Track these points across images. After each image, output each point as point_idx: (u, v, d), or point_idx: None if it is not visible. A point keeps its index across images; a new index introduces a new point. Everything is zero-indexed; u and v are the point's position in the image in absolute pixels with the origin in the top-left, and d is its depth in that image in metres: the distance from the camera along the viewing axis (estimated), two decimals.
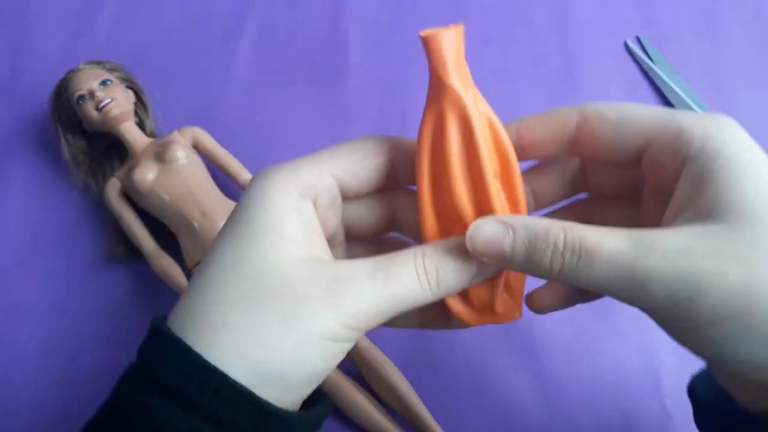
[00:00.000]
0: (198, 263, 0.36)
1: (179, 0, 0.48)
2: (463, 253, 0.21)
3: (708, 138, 0.20)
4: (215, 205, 0.37)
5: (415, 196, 0.24)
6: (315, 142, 0.43)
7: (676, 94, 0.42)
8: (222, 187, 0.39)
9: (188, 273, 0.37)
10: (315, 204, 0.22)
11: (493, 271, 0.22)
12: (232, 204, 0.38)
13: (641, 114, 0.22)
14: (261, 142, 0.43)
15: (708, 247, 0.18)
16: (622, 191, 0.25)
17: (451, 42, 0.21)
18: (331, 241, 0.24)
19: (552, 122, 0.23)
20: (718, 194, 0.19)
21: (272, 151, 0.43)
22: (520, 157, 0.23)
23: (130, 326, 0.38)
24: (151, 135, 0.41)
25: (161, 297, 0.39)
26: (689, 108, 0.42)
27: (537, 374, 0.36)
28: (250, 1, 0.47)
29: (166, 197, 0.37)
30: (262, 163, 0.41)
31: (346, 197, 0.24)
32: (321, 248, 0.22)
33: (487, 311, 0.24)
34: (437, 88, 0.22)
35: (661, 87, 0.43)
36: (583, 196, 0.27)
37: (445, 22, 0.46)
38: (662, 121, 0.21)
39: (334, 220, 0.24)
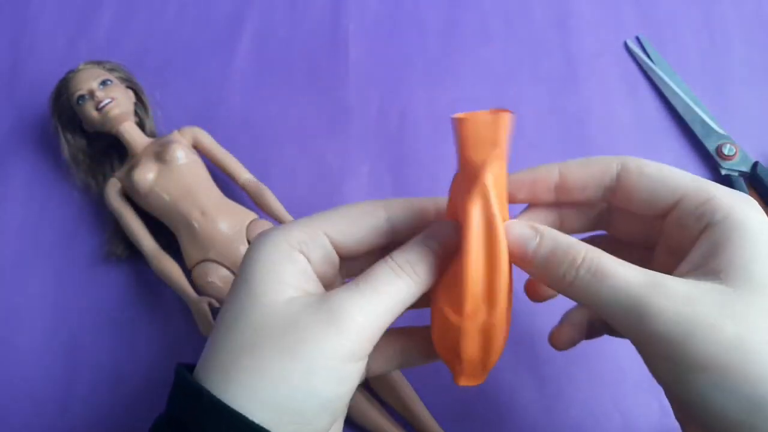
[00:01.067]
0: (198, 263, 0.36)
1: (179, 1, 0.48)
2: (423, 245, 0.24)
3: (732, 209, 0.22)
4: (215, 205, 0.37)
5: None
6: (315, 142, 0.43)
7: (676, 94, 0.42)
8: (222, 187, 0.39)
9: (188, 273, 0.37)
10: (308, 258, 0.24)
11: (449, 247, 0.24)
12: (232, 204, 0.38)
13: (676, 175, 0.24)
14: (261, 142, 0.43)
15: (712, 300, 0.20)
16: (640, 239, 0.27)
17: (488, 129, 0.21)
18: None
19: (593, 169, 0.25)
20: (731, 260, 0.21)
21: (272, 150, 0.43)
22: (560, 197, 0.26)
23: (130, 326, 0.38)
24: (151, 135, 0.41)
25: (161, 297, 0.39)
26: (689, 108, 0.42)
27: (537, 373, 0.36)
28: (250, 0, 0.47)
29: (166, 197, 0.37)
30: (262, 162, 0.42)
31: (346, 255, 0.25)
32: (317, 289, 0.24)
33: (459, 360, 0.25)
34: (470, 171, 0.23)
35: (661, 87, 0.43)
36: (601, 232, 0.29)
37: (444, 23, 0.46)
38: (694, 186, 0.23)
39: (331, 274, 0.25)
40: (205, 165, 0.39)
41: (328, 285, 0.25)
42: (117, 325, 0.38)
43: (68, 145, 0.41)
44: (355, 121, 0.43)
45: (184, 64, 0.46)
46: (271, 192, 0.39)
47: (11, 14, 0.48)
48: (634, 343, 0.22)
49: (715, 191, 0.23)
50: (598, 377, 0.36)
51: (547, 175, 0.25)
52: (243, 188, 0.40)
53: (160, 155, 0.38)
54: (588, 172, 0.25)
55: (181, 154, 0.38)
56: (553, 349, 0.34)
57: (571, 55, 0.45)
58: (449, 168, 0.41)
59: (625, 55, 0.45)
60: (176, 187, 0.37)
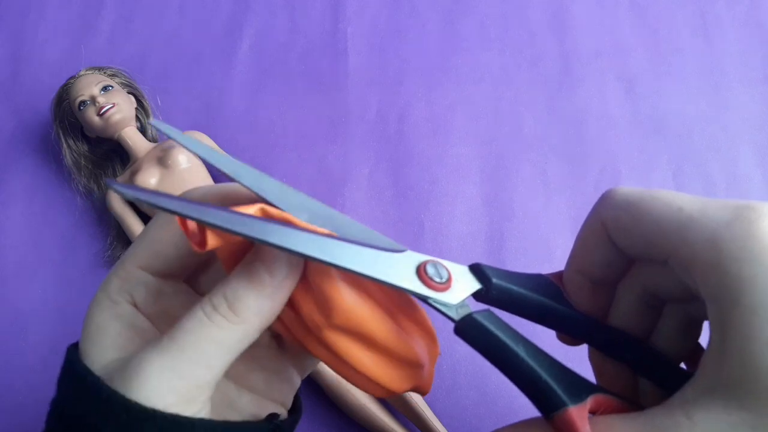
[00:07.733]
0: None
1: (179, 6, 0.48)
2: (248, 274, 0.19)
3: (723, 275, 0.16)
4: None
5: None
6: (315, 145, 0.43)
7: None
8: None
9: None
10: (135, 303, 0.21)
11: (294, 282, 0.20)
12: None
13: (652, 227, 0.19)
14: (262, 146, 0.43)
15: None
16: None
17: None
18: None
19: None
20: (743, 363, 0.15)
21: (273, 154, 0.43)
22: None
23: None
24: (152, 140, 0.42)
25: None
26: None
27: None
28: (249, 6, 0.48)
29: None
30: (263, 166, 0.42)
31: (185, 272, 0.22)
32: (139, 344, 0.21)
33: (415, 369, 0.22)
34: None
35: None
36: None
37: (443, 24, 0.47)
38: (675, 235, 0.18)
39: (179, 301, 0.22)
40: (207, 169, 0.40)
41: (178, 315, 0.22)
42: None
43: (70, 150, 0.41)
44: (354, 124, 0.44)
45: (185, 69, 0.46)
46: None
47: (12, 21, 0.48)
48: None
49: (692, 240, 0.17)
50: None
51: None
52: None
53: (163, 160, 0.38)
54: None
55: (184, 158, 0.38)
56: (554, 346, 0.34)
57: (568, 56, 0.45)
58: (448, 170, 0.42)
59: (623, 54, 0.45)
60: (179, 192, 0.37)
